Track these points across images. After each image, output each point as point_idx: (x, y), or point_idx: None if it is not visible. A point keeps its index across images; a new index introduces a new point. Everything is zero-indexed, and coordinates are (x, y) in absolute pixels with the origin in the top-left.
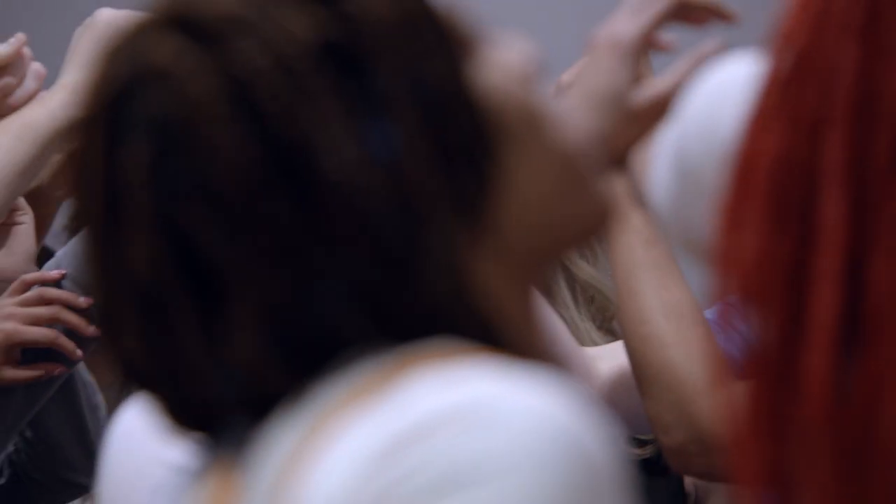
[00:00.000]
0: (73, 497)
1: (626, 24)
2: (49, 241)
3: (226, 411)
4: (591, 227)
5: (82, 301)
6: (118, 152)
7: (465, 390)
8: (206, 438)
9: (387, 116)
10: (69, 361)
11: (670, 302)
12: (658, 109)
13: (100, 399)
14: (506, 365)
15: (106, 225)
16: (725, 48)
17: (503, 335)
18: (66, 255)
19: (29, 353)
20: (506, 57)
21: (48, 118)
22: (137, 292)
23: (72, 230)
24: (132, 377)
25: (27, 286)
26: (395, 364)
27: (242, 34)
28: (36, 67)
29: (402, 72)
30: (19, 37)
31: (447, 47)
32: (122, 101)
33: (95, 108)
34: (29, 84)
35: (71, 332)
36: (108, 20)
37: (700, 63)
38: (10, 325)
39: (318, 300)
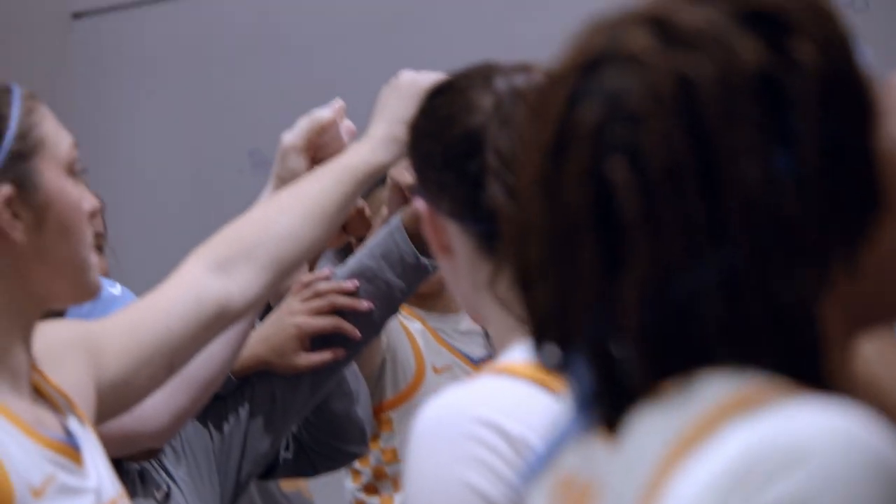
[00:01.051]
0: (348, 462)
1: None
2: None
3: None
4: None
5: (349, 285)
6: (575, 110)
7: (829, 425)
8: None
9: (794, 151)
10: (351, 347)
11: None
12: None
13: (362, 381)
14: (840, 403)
15: (547, 168)
16: None
17: (827, 371)
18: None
19: (316, 343)
20: None
21: (361, 163)
22: (559, 234)
23: (339, 254)
24: (541, 334)
25: (304, 286)
26: (757, 389)
27: (702, 45)
28: (347, 125)
29: (817, 119)
30: (339, 104)
31: (862, 105)
32: (590, 70)
33: (567, 69)
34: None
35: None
36: (411, 80)
37: None
38: (300, 319)
39: (690, 289)
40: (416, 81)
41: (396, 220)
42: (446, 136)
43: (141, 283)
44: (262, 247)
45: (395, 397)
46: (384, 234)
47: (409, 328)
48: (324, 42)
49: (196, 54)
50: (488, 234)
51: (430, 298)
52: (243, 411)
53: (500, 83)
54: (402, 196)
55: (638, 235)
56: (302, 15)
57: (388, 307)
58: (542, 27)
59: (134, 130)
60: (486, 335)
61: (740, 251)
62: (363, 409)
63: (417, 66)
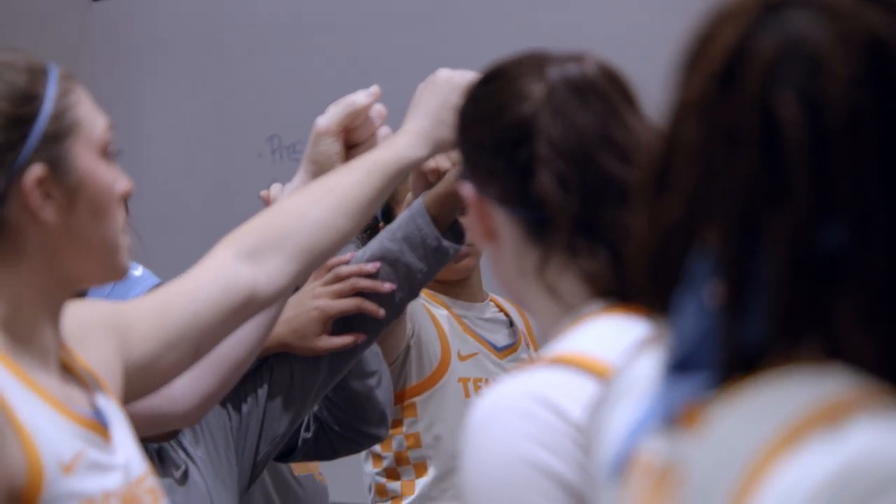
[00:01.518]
0: (368, 445)
1: None
2: None
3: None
4: None
5: (370, 267)
6: (752, 41)
7: None
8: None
9: None
10: (372, 330)
11: None
12: None
13: (384, 364)
14: None
15: (710, 92)
16: None
17: None
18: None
19: (337, 326)
20: None
21: (395, 158)
22: (712, 154)
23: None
24: (660, 253)
25: (327, 270)
26: (856, 393)
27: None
28: (379, 109)
29: None
30: (375, 89)
31: None
32: (773, 10)
33: (747, 4)
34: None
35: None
36: (447, 78)
37: None
38: (323, 302)
39: (840, 243)
40: (451, 78)
41: (419, 202)
42: (497, 124)
43: (159, 266)
44: (292, 237)
45: (419, 383)
46: (406, 217)
47: (435, 315)
48: (344, 27)
49: (216, 39)
50: (537, 220)
51: (457, 287)
52: (262, 392)
53: (553, 72)
54: (426, 180)
55: (803, 173)
56: (322, 0)
57: (410, 290)
58: (562, 17)
59: (153, 115)
60: (511, 324)
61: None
62: (384, 392)
63: (436, 54)
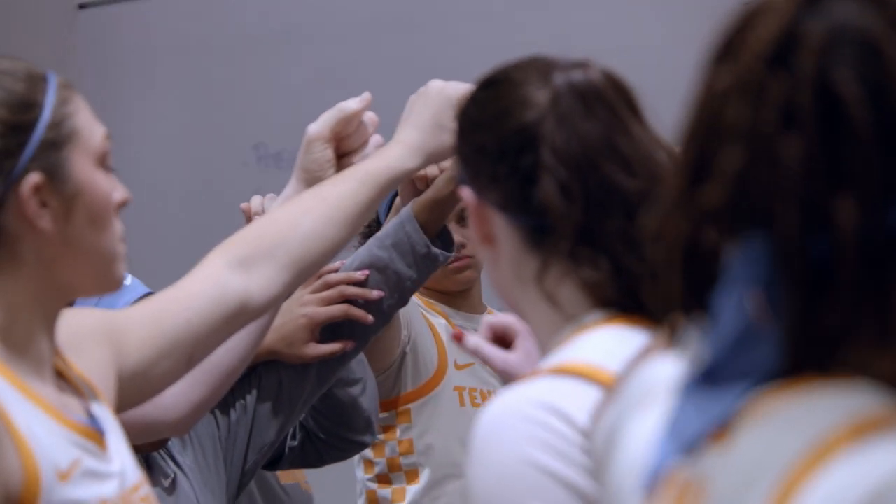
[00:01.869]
0: (354, 452)
1: None
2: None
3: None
4: None
5: (359, 275)
6: (803, 23)
7: None
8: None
9: None
10: (360, 338)
11: None
12: None
13: (369, 371)
14: None
15: (760, 72)
16: None
17: None
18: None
19: (325, 334)
20: None
21: (386, 168)
22: (764, 135)
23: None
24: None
25: (317, 278)
26: (886, 411)
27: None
28: (371, 116)
29: None
30: (366, 96)
31: None
32: (814, 2)
33: None
34: (370, 151)
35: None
36: (439, 89)
37: None
38: (310, 309)
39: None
40: (444, 89)
41: (407, 210)
42: (501, 129)
43: (145, 274)
44: (284, 246)
45: (415, 390)
46: (395, 224)
47: (432, 323)
48: (330, 35)
49: (201, 46)
50: (537, 228)
51: (457, 298)
52: (250, 400)
53: (559, 79)
54: (414, 187)
55: (870, 152)
56: (308, 8)
57: (399, 297)
58: (552, 24)
59: (138, 122)
60: None
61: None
62: (369, 399)
63: (422, 61)
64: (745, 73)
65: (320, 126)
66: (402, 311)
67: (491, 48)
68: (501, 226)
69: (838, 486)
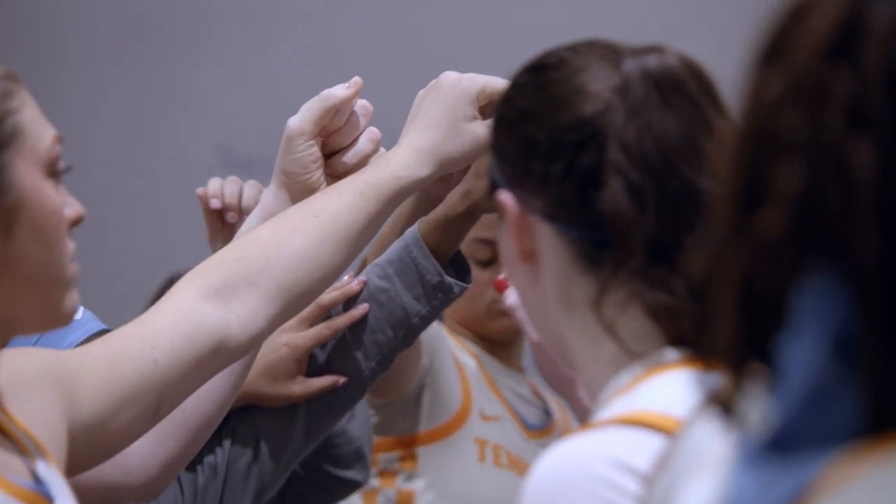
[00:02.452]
0: (345, 494)
1: None
2: None
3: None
4: None
5: (359, 312)
6: (862, 12)
7: None
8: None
9: None
10: (355, 373)
11: None
12: None
13: (362, 403)
14: None
15: (819, 70)
16: None
17: None
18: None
19: (312, 372)
20: None
21: (391, 178)
22: (824, 143)
23: None
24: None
25: (319, 310)
26: None
27: None
28: (363, 104)
29: None
30: (357, 80)
31: None
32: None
33: None
34: (364, 147)
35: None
36: (454, 82)
37: None
38: (290, 335)
39: None
40: (459, 82)
41: (413, 231)
42: (555, 122)
43: (96, 302)
44: (269, 272)
45: (429, 431)
46: (398, 249)
47: (461, 362)
48: (311, 18)
49: (156, 36)
50: (595, 242)
51: (499, 348)
52: (221, 456)
53: (630, 64)
54: (426, 199)
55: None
56: None
57: (405, 337)
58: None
59: (85, 123)
60: (546, 412)
61: None
62: (359, 427)
63: (409, 53)
64: (800, 72)
65: (302, 119)
66: (424, 335)
67: (493, 37)
68: (547, 240)
69: None
